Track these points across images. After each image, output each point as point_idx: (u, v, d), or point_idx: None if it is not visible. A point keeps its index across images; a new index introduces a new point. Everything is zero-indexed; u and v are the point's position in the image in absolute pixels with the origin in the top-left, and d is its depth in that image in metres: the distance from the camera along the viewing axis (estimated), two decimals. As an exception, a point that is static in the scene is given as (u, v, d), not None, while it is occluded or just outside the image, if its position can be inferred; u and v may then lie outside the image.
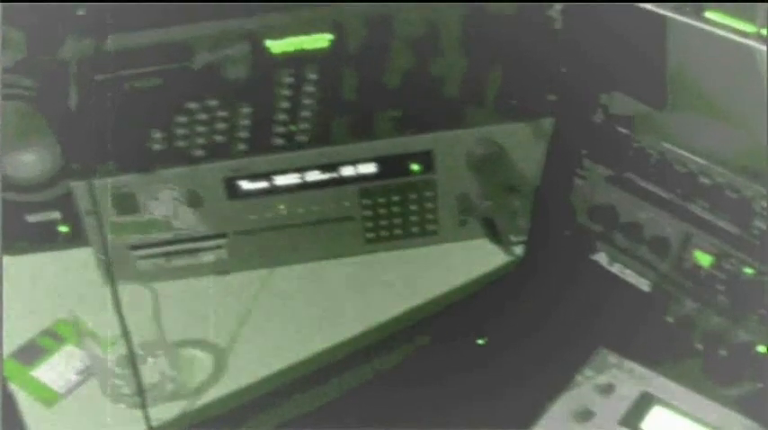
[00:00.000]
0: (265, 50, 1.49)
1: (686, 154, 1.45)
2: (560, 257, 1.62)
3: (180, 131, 1.53)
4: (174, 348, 1.47)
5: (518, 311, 1.62)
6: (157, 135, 1.53)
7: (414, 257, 1.67)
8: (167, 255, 1.62)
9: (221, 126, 1.53)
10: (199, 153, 1.55)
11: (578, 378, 1.42)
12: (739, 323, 1.39)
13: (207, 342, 1.51)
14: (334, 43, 1.50)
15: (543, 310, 1.59)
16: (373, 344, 1.56)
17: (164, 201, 1.56)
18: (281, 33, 1.48)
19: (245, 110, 1.53)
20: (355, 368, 1.60)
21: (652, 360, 1.42)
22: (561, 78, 1.56)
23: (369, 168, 1.59)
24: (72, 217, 1.60)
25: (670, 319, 1.47)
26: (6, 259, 1.60)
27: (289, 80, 1.52)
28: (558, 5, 1.52)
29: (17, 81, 1.49)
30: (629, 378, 1.40)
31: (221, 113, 1.52)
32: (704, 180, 1.43)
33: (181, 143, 1.54)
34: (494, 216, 1.66)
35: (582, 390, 1.40)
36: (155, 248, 1.61)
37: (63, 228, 1.66)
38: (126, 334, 1.28)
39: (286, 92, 1.53)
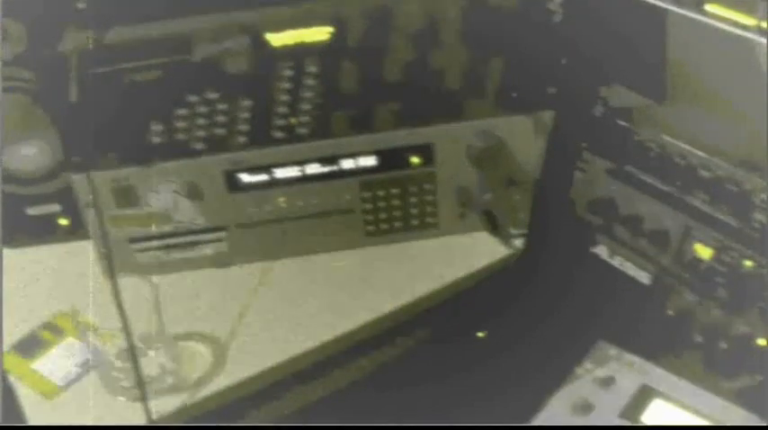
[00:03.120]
0: (265, 43, 1.49)
1: (686, 147, 1.45)
2: (560, 250, 1.62)
3: (180, 124, 1.53)
4: (173, 341, 1.47)
5: (518, 304, 1.63)
6: (157, 128, 1.52)
7: (413, 250, 1.67)
8: (167, 247, 1.62)
9: (221, 119, 1.53)
10: (199, 146, 1.55)
11: (578, 370, 1.42)
12: (739, 316, 1.39)
13: (207, 335, 1.51)
14: (334, 36, 1.50)
15: (543, 303, 1.60)
16: (373, 337, 1.57)
17: (163, 194, 1.56)
18: (280, 26, 1.48)
19: (245, 102, 1.53)
20: (355, 361, 1.60)
21: (652, 352, 1.42)
22: (561, 71, 1.56)
23: (369, 161, 1.59)
24: (72, 210, 1.60)
25: (670, 312, 1.47)
26: (6, 252, 1.60)
27: (289, 73, 1.52)
28: (559, -2, 1.52)
29: (17, 74, 1.49)
30: (628, 370, 1.41)
31: (221, 106, 1.52)
32: (704, 173, 1.43)
33: (181, 136, 1.54)
34: (494, 209, 1.66)
35: (582, 383, 1.40)
36: (154, 241, 1.61)
37: (63, 221, 1.66)
38: (126, 326, 1.28)
39: (286, 85, 1.53)
